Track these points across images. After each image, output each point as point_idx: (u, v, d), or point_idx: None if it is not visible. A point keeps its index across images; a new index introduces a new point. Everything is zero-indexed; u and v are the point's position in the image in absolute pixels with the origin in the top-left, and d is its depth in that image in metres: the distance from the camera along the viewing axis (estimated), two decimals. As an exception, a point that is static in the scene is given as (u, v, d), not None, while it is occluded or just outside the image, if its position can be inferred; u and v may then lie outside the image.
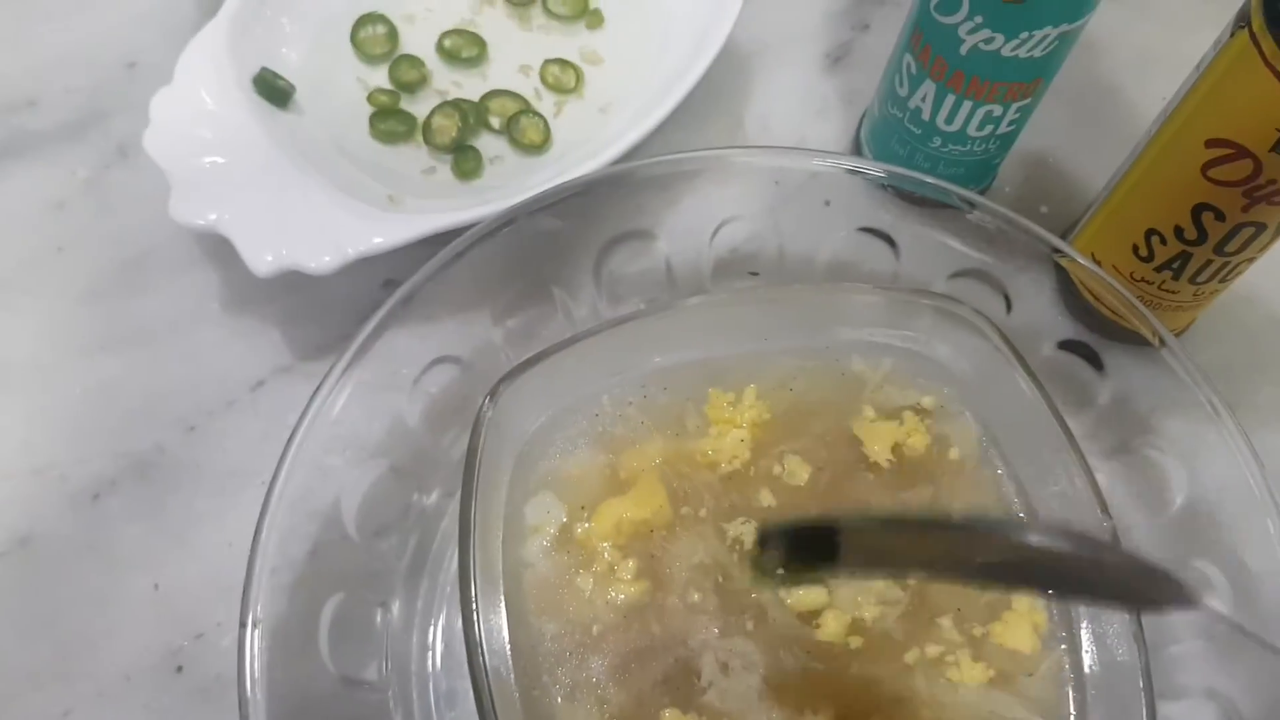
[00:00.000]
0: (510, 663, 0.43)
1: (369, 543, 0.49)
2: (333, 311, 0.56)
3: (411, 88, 0.61)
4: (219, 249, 0.55)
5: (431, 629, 0.49)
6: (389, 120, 0.59)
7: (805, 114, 0.64)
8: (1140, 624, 0.43)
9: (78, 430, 0.53)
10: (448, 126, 0.58)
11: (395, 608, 0.49)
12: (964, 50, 0.49)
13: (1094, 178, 0.61)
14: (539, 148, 0.59)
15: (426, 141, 0.59)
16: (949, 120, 0.53)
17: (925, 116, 0.54)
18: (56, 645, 0.49)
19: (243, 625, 0.43)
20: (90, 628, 0.50)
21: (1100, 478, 0.48)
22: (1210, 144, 0.44)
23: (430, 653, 0.48)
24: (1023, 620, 0.45)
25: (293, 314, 0.56)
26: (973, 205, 0.50)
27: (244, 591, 0.43)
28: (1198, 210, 0.46)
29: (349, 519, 0.48)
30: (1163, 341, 0.46)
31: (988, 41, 0.48)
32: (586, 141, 0.58)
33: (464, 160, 0.58)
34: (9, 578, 0.51)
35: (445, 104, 0.59)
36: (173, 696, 0.49)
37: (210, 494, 0.52)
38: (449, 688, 0.48)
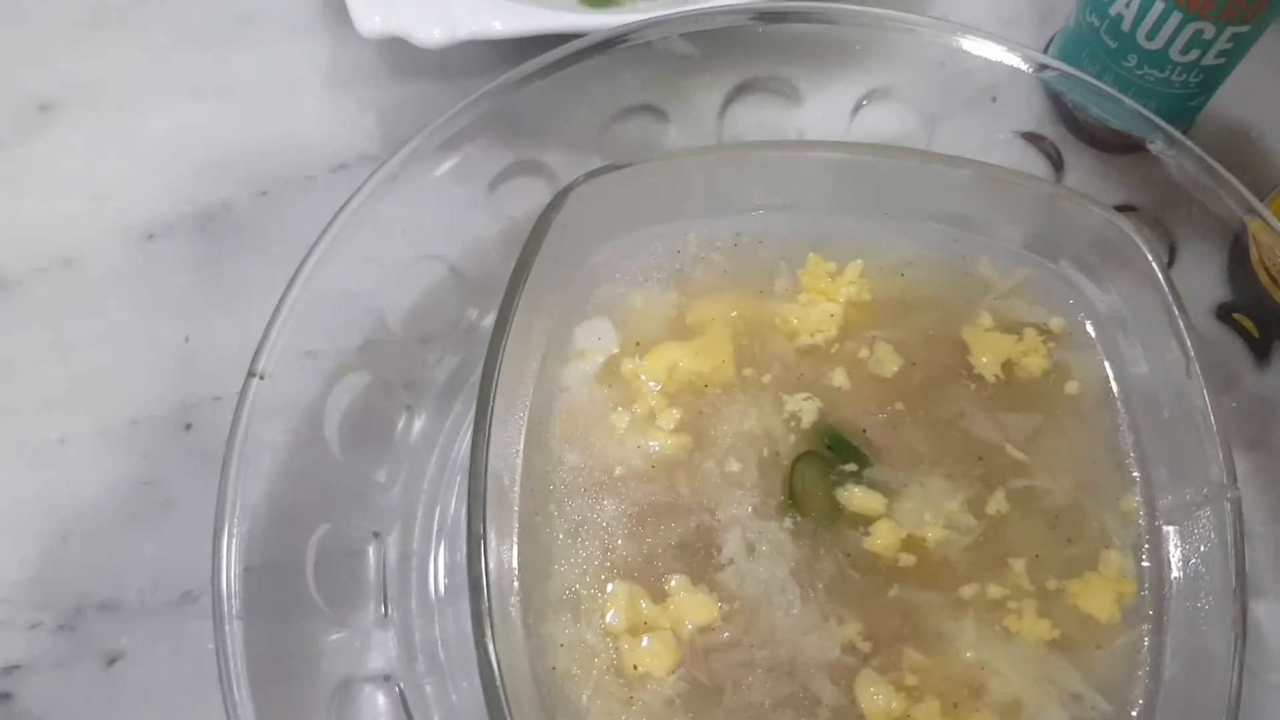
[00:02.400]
0: (518, 479, 0.39)
1: (412, 346, 0.46)
2: (434, 109, 0.52)
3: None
4: (335, 20, 0.53)
5: (455, 449, 0.45)
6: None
7: (992, 21, 0.58)
8: (1244, 611, 0.36)
9: (148, 168, 0.51)
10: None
11: (420, 420, 0.46)
12: (1187, -56, 0.43)
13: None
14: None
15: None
16: (1151, 35, 0.47)
17: (1125, 27, 0.48)
18: (71, 372, 0.48)
19: (250, 375, 0.40)
20: (109, 363, 0.48)
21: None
22: None
23: (444, 472, 0.45)
24: (1107, 585, 0.39)
25: (393, 104, 0.53)
26: (1168, 138, 0.43)
27: (258, 345, 0.40)
28: None
29: (395, 317, 0.45)
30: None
31: (1217, -63, 0.42)
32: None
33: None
34: (43, 295, 0.49)
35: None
36: (174, 452, 0.46)
37: (265, 262, 0.50)
38: (456, 514, 0.44)
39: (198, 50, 0.54)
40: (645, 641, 0.38)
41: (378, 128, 0.53)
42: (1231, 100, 0.51)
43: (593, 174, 0.42)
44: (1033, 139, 0.48)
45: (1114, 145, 0.49)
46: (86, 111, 0.53)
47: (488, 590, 0.35)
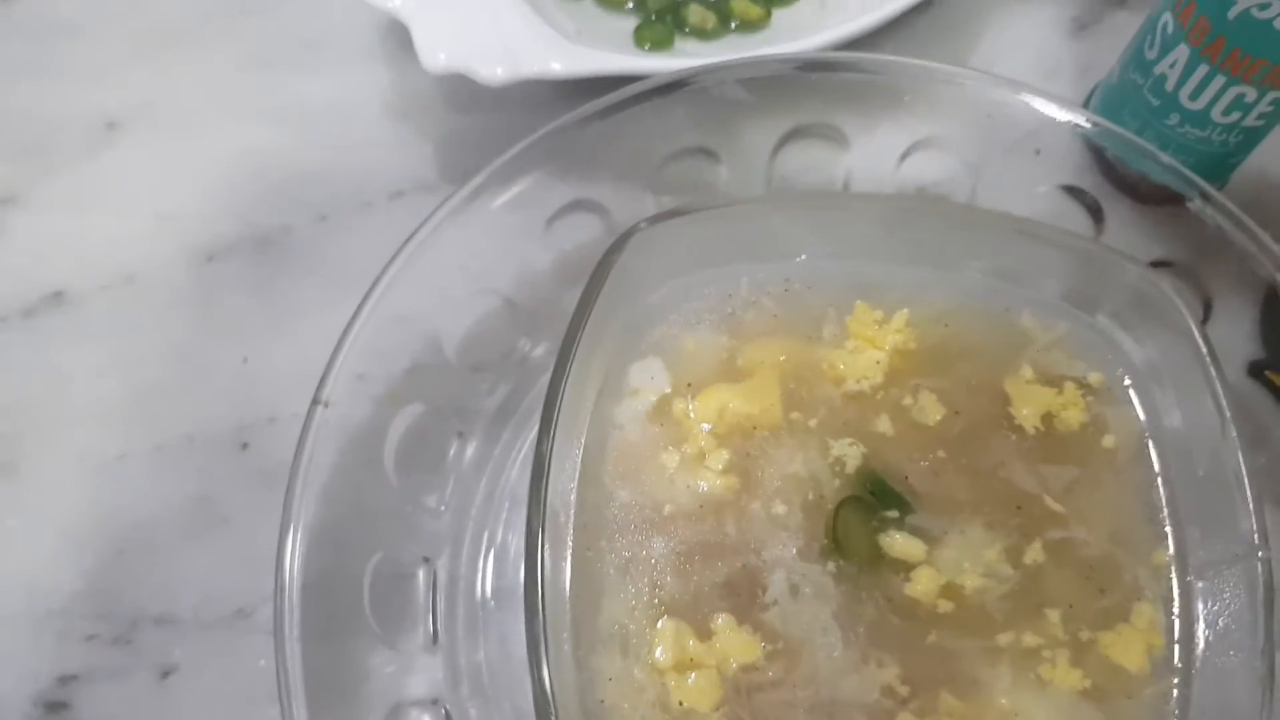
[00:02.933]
0: (572, 514, 0.40)
1: (465, 375, 0.47)
2: (492, 144, 0.53)
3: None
4: (398, 50, 0.54)
5: (503, 476, 0.47)
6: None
7: (1034, 72, 0.59)
8: (1271, 669, 0.37)
9: (211, 189, 0.53)
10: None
11: (472, 446, 0.47)
12: (1233, 14, 0.44)
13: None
14: (755, 25, 0.56)
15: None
16: (1194, 95, 0.48)
17: (1169, 87, 0.49)
18: (130, 389, 0.49)
19: (314, 403, 0.41)
20: (168, 381, 0.49)
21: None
22: None
23: (493, 498, 0.46)
24: (1138, 637, 0.40)
25: (451, 136, 0.55)
26: (1204, 195, 0.44)
27: (324, 373, 0.41)
28: None
29: (450, 345, 0.46)
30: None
31: (1263, 7, 0.43)
32: (800, 29, 0.55)
33: (647, 29, 0.55)
34: (105, 311, 0.50)
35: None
36: (229, 470, 0.48)
37: (322, 286, 0.51)
38: (503, 540, 0.45)
39: (262, 73, 0.55)
40: (691, 678, 0.39)
41: (435, 157, 0.54)
42: (1269, 156, 0.52)
43: (653, 219, 0.43)
44: (1073, 191, 0.49)
45: (1153, 198, 0.49)
46: (151, 131, 0.54)
47: (544, 623, 0.36)
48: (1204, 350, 0.42)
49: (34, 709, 0.43)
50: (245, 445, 0.48)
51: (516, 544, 0.45)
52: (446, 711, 0.41)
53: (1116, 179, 0.51)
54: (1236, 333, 0.47)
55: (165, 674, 0.44)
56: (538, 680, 0.36)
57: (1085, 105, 0.56)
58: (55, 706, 0.43)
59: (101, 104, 0.54)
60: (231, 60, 0.55)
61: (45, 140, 0.53)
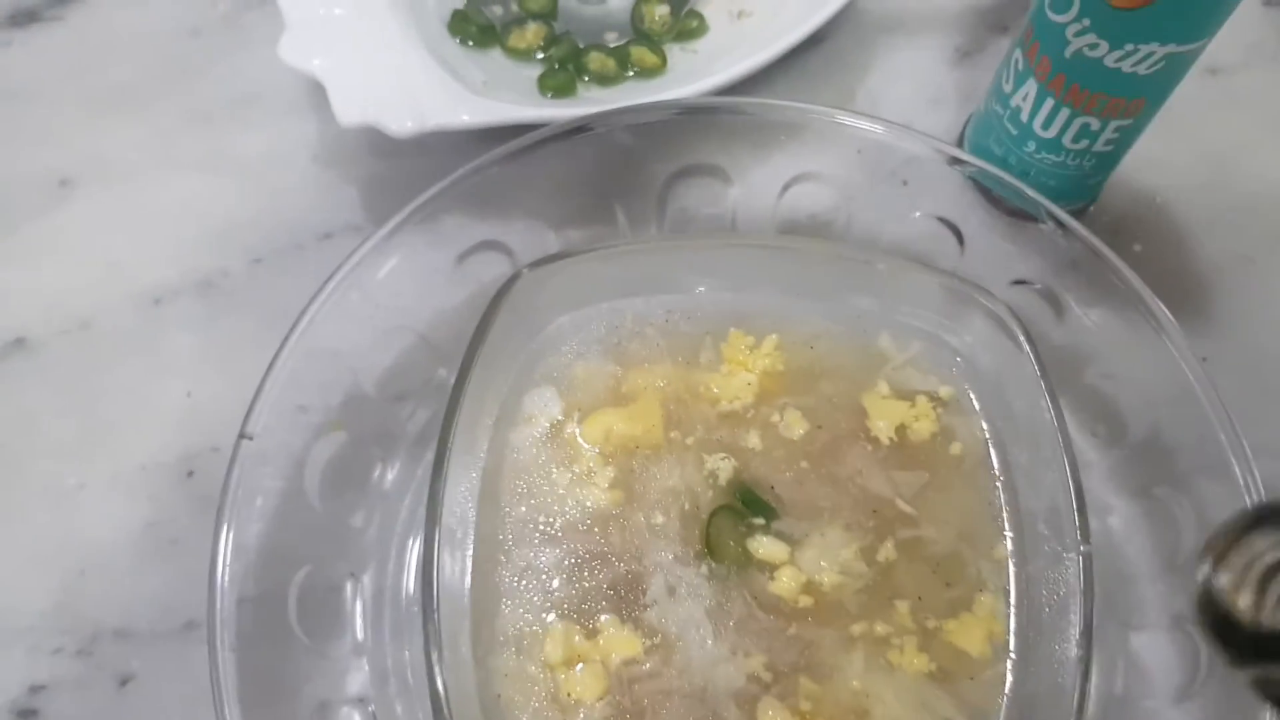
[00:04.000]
0: (472, 529, 0.45)
1: (386, 404, 0.51)
2: (412, 187, 0.57)
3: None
4: (323, 104, 0.58)
5: (424, 496, 0.50)
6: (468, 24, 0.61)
7: (919, 100, 0.63)
8: (1089, 653, 0.42)
9: (155, 236, 0.57)
10: (530, 37, 0.61)
11: (394, 469, 0.51)
12: (1069, 53, 0.48)
13: (1200, 231, 0.59)
14: (652, 71, 0.60)
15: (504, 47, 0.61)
16: (1045, 125, 0.52)
17: (1024, 118, 0.53)
18: (86, 424, 0.53)
19: (241, 436, 0.45)
20: (121, 416, 0.53)
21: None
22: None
23: (415, 515, 0.50)
24: (980, 625, 0.45)
25: (374, 180, 0.59)
26: (1055, 220, 0.49)
27: (249, 408, 0.45)
28: None
29: (370, 378, 0.50)
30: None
31: (1092, 47, 0.47)
32: (694, 73, 0.59)
33: (550, 78, 0.59)
34: (64, 354, 0.55)
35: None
36: (177, 496, 0.52)
37: (259, 324, 0.55)
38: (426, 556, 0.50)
39: (200, 128, 0.60)
40: (578, 670, 0.43)
41: (360, 200, 0.58)
42: (1138, 170, 0.56)
43: (535, 263, 0.48)
44: (940, 219, 0.54)
45: (1019, 213, 0.54)
46: (101, 186, 0.58)
47: (439, 630, 0.41)
48: (1036, 367, 0.47)
49: (8, 716, 0.48)
50: (191, 473, 0.52)
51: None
52: (373, 710, 0.46)
53: (988, 195, 0.56)
54: (1090, 341, 0.51)
55: (124, 682, 0.48)
56: (431, 682, 0.40)
57: (963, 131, 0.61)
58: (27, 714, 0.48)
59: (54, 162, 0.59)
60: (172, 117, 0.60)
61: (4, 198, 0.58)
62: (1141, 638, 0.47)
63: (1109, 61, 0.47)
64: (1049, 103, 0.51)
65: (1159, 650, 0.46)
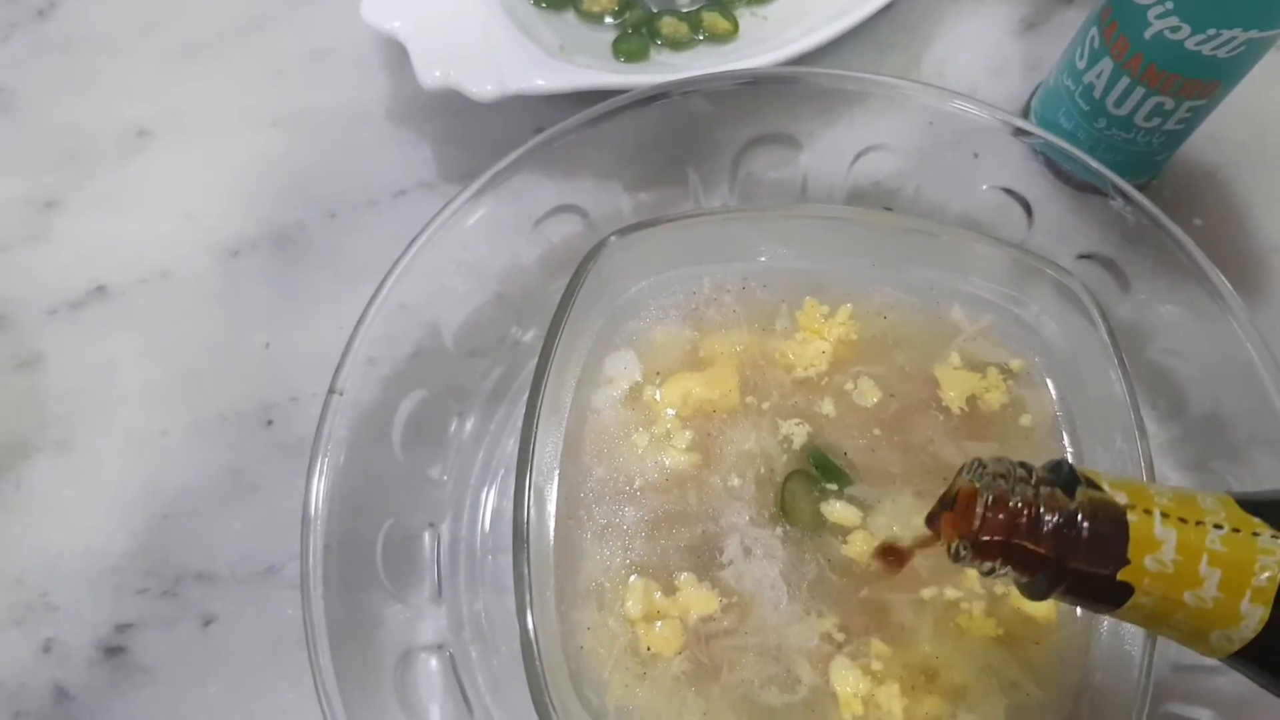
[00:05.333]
0: (555, 488, 0.46)
1: (463, 359, 0.52)
2: (484, 145, 0.59)
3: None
4: (398, 61, 0.59)
5: (499, 447, 0.52)
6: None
7: (984, 70, 0.63)
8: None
9: (232, 190, 0.58)
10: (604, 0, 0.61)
11: (470, 422, 0.52)
12: (1148, 34, 0.49)
13: (1260, 207, 0.59)
14: (723, 37, 0.61)
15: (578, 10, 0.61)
16: (1118, 104, 0.53)
17: (1096, 94, 0.53)
18: (168, 373, 0.55)
19: (330, 391, 0.47)
20: (200, 365, 0.55)
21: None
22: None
23: (489, 467, 0.52)
24: (1046, 592, 0.46)
25: (447, 138, 0.60)
26: (1122, 195, 0.49)
27: (339, 363, 0.47)
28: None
29: (449, 333, 0.51)
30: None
31: (1174, 30, 0.48)
32: (765, 40, 0.60)
33: (624, 42, 0.60)
34: (144, 304, 0.56)
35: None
36: (256, 444, 0.53)
37: (334, 278, 0.57)
38: (498, 506, 0.51)
39: (277, 83, 0.60)
40: (658, 627, 0.45)
41: (434, 159, 0.59)
42: (1200, 146, 0.57)
43: (623, 231, 0.48)
44: (1009, 191, 0.54)
45: (1086, 186, 0.54)
46: (178, 138, 0.59)
47: (530, 581, 0.43)
48: (1108, 339, 0.47)
49: (96, 653, 0.49)
50: (270, 422, 0.54)
51: (510, 507, 0.50)
52: (451, 655, 0.47)
53: (1054, 169, 0.56)
54: (1153, 316, 0.52)
55: (207, 623, 0.50)
56: (524, 629, 0.42)
57: (1029, 102, 0.61)
58: (114, 651, 0.49)
59: (133, 114, 0.59)
60: (248, 71, 0.60)
61: (83, 148, 0.59)
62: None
63: (1189, 44, 0.48)
64: (1124, 81, 0.52)
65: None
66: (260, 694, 0.49)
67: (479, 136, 0.59)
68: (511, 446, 0.52)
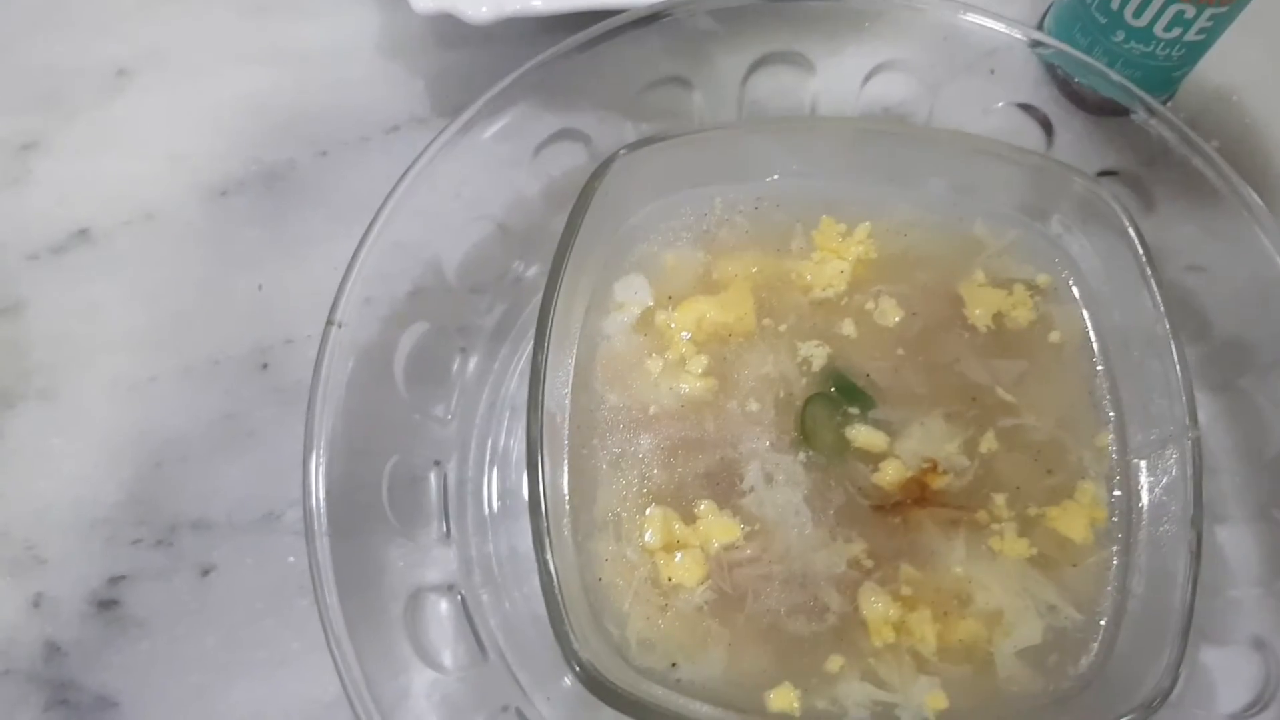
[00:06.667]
0: (567, 417, 0.44)
1: (465, 296, 0.50)
2: (480, 78, 0.56)
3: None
4: (387, -9, 0.56)
5: (503, 387, 0.50)
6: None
7: (994, -11, 0.61)
8: (1199, 539, 0.42)
9: (219, 129, 0.56)
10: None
11: (474, 361, 0.50)
12: (1170, -65, 0.47)
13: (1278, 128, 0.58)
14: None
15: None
16: (1137, 14, 0.51)
17: (1114, 6, 0.52)
18: (156, 317, 0.52)
19: (328, 324, 0.44)
20: (191, 309, 0.53)
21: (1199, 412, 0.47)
22: None
23: (494, 408, 0.50)
24: (1082, 512, 0.44)
25: (441, 72, 0.57)
26: (1147, 108, 0.48)
27: (336, 295, 0.45)
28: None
29: (450, 269, 0.49)
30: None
31: (1197, -69, 0.46)
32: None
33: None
34: (129, 247, 0.54)
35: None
36: (252, 389, 0.51)
37: (327, 217, 0.54)
38: (505, 446, 0.49)
39: (260, 19, 0.58)
40: (678, 557, 0.43)
41: (427, 92, 0.57)
42: (1215, 67, 0.55)
43: (632, 147, 0.46)
44: (1026, 108, 0.53)
45: (1102, 110, 0.53)
46: (159, 76, 0.57)
47: (545, 513, 0.41)
48: (1141, 251, 0.46)
49: (88, 607, 0.47)
50: (265, 365, 0.51)
51: (518, 448, 0.48)
52: (462, 596, 0.45)
53: (1069, 92, 0.54)
54: (1176, 234, 0.51)
55: (205, 572, 0.48)
56: (542, 563, 0.40)
57: (1041, 22, 0.59)
58: (107, 604, 0.47)
59: (112, 53, 0.57)
60: (231, 7, 0.58)
61: (62, 89, 0.56)
62: (1225, 530, 0.47)
63: (1213, -59, 0.46)
64: (1143, -13, 0.50)
65: (1242, 541, 0.47)
66: (262, 644, 0.47)
67: (474, 70, 0.57)
68: (516, 385, 0.50)
